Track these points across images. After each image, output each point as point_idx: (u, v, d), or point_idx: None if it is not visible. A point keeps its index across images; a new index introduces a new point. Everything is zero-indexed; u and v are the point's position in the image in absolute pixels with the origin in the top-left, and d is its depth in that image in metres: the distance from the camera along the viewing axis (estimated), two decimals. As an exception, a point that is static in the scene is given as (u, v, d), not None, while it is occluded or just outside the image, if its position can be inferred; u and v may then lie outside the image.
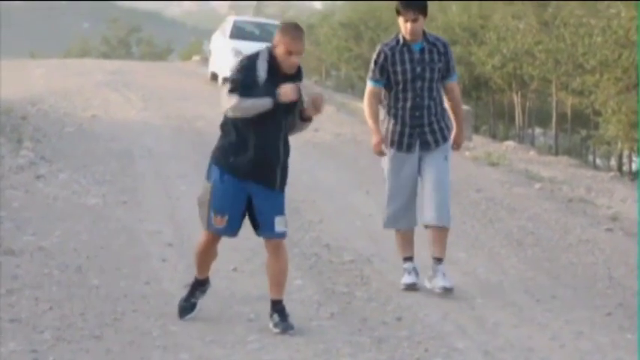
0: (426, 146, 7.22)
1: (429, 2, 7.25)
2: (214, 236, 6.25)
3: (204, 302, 6.49)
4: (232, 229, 6.20)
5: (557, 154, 19.91)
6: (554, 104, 21.46)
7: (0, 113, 15.72)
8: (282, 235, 6.17)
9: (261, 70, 5.96)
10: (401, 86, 7.18)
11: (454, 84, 7.38)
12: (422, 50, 7.18)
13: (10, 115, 15.88)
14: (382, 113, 7.35)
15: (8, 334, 5.92)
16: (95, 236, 8.62)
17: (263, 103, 5.92)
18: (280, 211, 6.13)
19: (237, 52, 24.19)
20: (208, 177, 6.15)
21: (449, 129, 7.33)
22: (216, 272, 6.88)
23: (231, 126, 6.04)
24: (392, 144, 7.26)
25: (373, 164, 13.44)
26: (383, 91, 7.27)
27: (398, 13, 7.16)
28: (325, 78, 39.81)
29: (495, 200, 11.21)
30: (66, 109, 18.15)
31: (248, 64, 6.01)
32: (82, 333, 6.04)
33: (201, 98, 20.91)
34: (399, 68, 7.16)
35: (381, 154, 7.32)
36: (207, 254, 6.35)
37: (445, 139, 7.28)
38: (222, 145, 6.11)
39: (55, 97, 19.92)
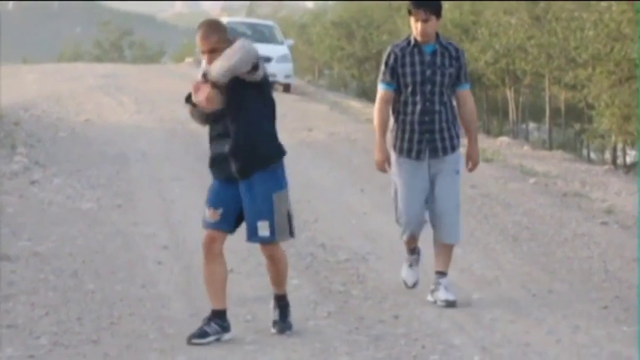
0: (434, 154, 6.88)
1: None
2: (212, 237, 5.98)
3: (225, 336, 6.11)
4: (227, 224, 5.98)
5: (551, 148, 19.91)
6: (547, 99, 21.46)
7: (-7, 119, 15.71)
8: (265, 240, 5.96)
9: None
10: (410, 89, 6.84)
11: (466, 92, 6.98)
12: (433, 53, 6.84)
13: (3, 120, 15.86)
14: (391, 120, 7.02)
15: (5, 340, 5.92)
16: (90, 240, 8.62)
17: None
18: (264, 215, 5.91)
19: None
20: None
21: (459, 138, 6.98)
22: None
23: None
24: (400, 151, 6.93)
25: (367, 163, 13.43)
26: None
27: (409, 12, 6.83)
28: (318, 77, 39.81)
29: (490, 196, 11.22)
30: (59, 113, 18.14)
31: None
32: (78, 338, 6.03)
33: (194, 100, 20.84)
34: (408, 70, 6.83)
35: (384, 171, 7.05)
36: (212, 267, 6.00)
37: (454, 148, 6.94)
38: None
39: (48, 102, 19.90)
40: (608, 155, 21.48)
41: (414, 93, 6.84)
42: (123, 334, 6.13)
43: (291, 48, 27.35)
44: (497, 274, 7.82)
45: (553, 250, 8.73)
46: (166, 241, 8.70)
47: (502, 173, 12.95)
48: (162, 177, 11.94)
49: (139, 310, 6.64)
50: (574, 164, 15.07)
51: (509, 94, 22.81)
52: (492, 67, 21.29)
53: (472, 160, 7.05)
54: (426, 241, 7.26)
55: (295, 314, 6.41)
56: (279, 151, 6.05)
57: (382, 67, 6.95)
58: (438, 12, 6.80)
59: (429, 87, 6.82)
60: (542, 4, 20.61)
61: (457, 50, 6.91)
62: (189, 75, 29.53)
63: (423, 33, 6.78)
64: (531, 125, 27.08)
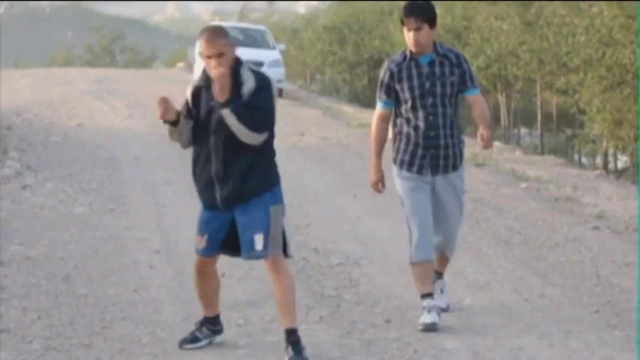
0: (436, 171, 6.52)
1: None
2: (203, 262, 5.90)
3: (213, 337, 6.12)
4: (211, 250, 5.84)
5: (542, 153, 19.94)
6: (539, 104, 21.51)
7: (-15, 124, 15.70)
8: (262, 254, 5.71)
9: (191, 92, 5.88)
10: (410, 104, 6.45)
11: (477, 97, 6.54)
12: (431, 63, 6.44)
13: (-5, 125, 15.86)
14: (391, 133, 6.66)
15: (-3, 345, 5.92)
16: (82, 245, 8.61)
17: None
18: (261, 228, 5.68)
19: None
20: None
21: (462, 156, 6.64)
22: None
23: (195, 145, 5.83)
24: (401, 164, 6.55)
25: (360, 167, 13.46)
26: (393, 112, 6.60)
27: (402, 22, 6.44)
28: (310, 82, 39.82)
29: (482, 201, 11.23)
30: (51, 118, 18.14)
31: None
32: (71, 342, 6.03)
33: (186, 105, 20.85)
34: (405, 85, 6.44)
35: (379, 192, 6.72)
36: (203, 280, 5.96)
37: (455, 167, 6.57)
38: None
39: (40, 106, 19.89)
40: (599, 160, 21.53)
41: (414, 108, 6.46)
42: (115, 339, 6.12)
43: (283, 53, 27.37)
44: (489, 279, 7.83)
45: (545, 254, 8.75)
46: (159, 246, 8.70)
47: (494, 178, 12.97)
48: (154, 181, 11.94)
49: (132, 315, 6.64)
50: (566, 169, 15.10)
51: (501, 99, 22.86)
52: (484, 72, 21.32)
53: (484, 139, 6.50)
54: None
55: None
56: (276, 178, 5.86)
57: (379, 85, 6.59)
58: (431, 20, 6.38)
59: (430, 100, 6.44)
60: (533, 9, 20.65)
61: (458, 56, 6.51)
62: (181, 80, 29.54)
63: (416, 43, 6.39)
64: (523, 130, 27.13)
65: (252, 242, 5.69)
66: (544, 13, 19.83)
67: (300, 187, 11.78)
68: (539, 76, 19.95)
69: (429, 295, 6.55)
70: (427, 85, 6.44)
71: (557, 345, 6.21)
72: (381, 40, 28.09)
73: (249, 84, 5.68)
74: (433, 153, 6.49)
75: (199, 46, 5.73)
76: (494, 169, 13.91)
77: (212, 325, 6.06)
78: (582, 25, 16.74)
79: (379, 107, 6.60)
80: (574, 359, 5.97)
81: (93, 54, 63.96)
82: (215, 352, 5.93)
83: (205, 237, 5.81)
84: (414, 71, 6.46)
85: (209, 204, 5.80)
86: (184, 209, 10.00)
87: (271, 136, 5.77)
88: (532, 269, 8.21)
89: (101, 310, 6.69)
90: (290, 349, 5.69)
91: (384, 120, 6.60)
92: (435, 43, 6.49)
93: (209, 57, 5.63)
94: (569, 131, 22.35)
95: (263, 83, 5.70)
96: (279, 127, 15.85)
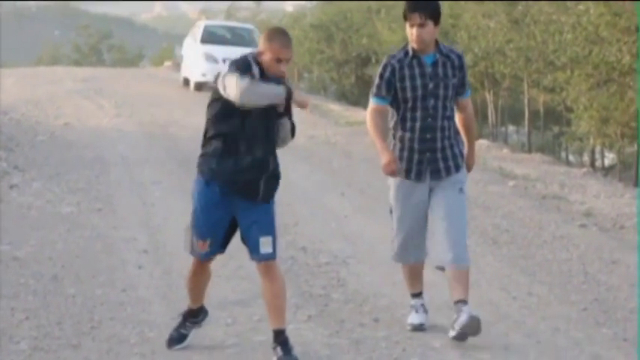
0: (436, 175, 6.29)
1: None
2: (203, 265, 5.92)
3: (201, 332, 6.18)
4: (213, 253, 5.87)
5: (530, 151, 19.98)
6: (526, 102, 21.54)
7: (-29, 123, 15.64)
8: (268, 257, 5.71)
9: (256, 72, 5.63)
10: (410, 104, 6.21)
11: (467, 101, 6.46)
12: (435, 63, 6.23)
13: (-19, 124, 15.82)
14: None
15: (-15, 345, 5.90)
16: (70, 245, 8.59)
17: (276, 92, 5.55)
18: (266, 230, 5.72)
19: (209, 57, 24.19)
20: (193, 193, 5.84)
21: (463, 157, 6.43)
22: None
23: (217, 132, 5.70)
24: (398, 172, 6.28)
25: (347, 166, 13.47)
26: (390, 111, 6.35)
27: (405, 17, 6.22)
28: (298, 80, 39.82)
29: (470, 199, 11.18)
30: (38, 117, 18.10)
31: (244, 64, 5.66)
32: (59, 342, 6.02)
33: (173, 104, 20.88)
34: (408, 84, 6.19)
35: (394, 174, 6.26)
36: (199, 278, 5.99)
37: (458, 167, 6.37)
38: (206, 152, 5.75)
39: (27, 105, 19.85)
40: (586, 158, 21.60)
41: (413, 109, 6.22)
42: (103, 339, 6.12)
43: (271, 51, 27.29)
44: (477, 277, 7.84)
45: (532, 252, 8.77)
46: (146, 245, 8.69)
47: (481, 176, 12.99)
48: (142, 181, 11.92)
49: (120, 314, 6.63)
50: (553, 167, 15.14)
51: (489, 97, 22.88)
52: (471, 70, 21.33)
53: (468, 165, 6.55)
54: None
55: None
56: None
57: (376, 80, 6.28)
58: (435, 16, 6.19)
59: (431, 102, 6.22)
60: (520, 7, 20.68)
61: (460, 58, 6.34)
62: (169, 78, 29.52)
63: (419, 39, 6.16)
64: (510, 128, 27.20)
65: (259, 244, 5.71)
66: (531, 11, 19.86)
67: (288, 185, 11.71)
68: (527, 74, 19.99)
69: (417, 295, 6.60)
70: (430, 85, 6.22)
71: (545, 343, 6.23)
72: (369, 39, 28.10)
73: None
74: (429, 157, 6.27)
75: (270, 49, 5.64)
76: (481, 167, 13.93)
77: (193, 317, 6.10)
78: (569, 23, 16.78)
79: (375, 102, 6.28)
80: (562, 357, 5.99)
81: (80, 53, 63.90)
82: (203, 352, 5.92)
83: (208, 242, 5.81)
84: (417, 70, 6.23)
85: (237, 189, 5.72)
86: (172, 209, 10.00)
87: None
88: (520, 267, 8.23)
89: (89, 310, 6.68)
90: (279, 349, 5.69)
91: (381, 114, 6.28)
92: (437, 42, 6.31)
93: (280, 60, 5.63)
94: (556, 129, 22.44)
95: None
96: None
